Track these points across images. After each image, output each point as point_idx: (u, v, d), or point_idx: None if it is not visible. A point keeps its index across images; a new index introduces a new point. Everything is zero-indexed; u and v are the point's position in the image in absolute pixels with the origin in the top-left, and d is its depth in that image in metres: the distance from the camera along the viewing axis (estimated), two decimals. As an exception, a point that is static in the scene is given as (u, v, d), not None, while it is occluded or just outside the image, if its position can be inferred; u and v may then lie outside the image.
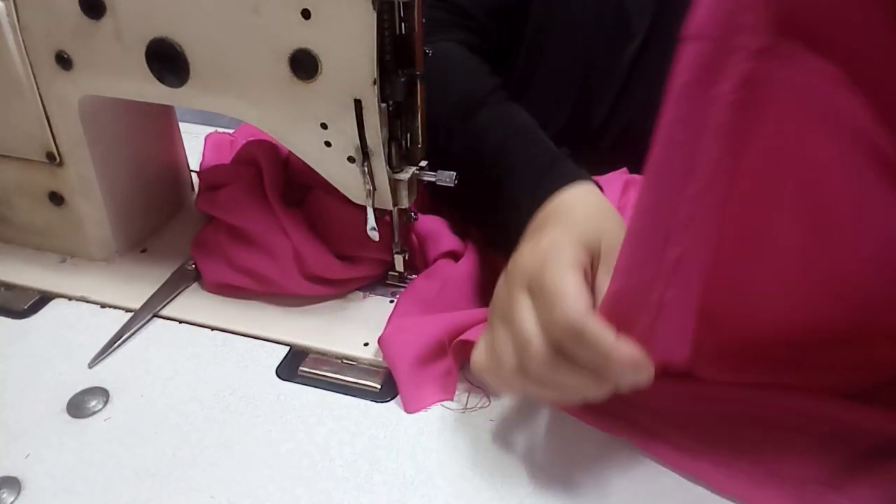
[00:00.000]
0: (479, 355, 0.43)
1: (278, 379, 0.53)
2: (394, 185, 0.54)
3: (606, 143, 0.69)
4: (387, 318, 0.56)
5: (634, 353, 0.36)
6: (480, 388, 0.51)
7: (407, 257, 0.60)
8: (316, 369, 0.53)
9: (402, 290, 0.60)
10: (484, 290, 0.57)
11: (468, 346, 0.48)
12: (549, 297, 0.39)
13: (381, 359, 0.53)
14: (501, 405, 0.50)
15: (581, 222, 0.45)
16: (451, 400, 0.51)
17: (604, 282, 0.40)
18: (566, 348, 0.38)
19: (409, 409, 0.50)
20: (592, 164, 0.65)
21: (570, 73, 0.68)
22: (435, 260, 0.60)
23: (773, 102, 0.32)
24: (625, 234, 0.37)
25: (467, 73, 0.60)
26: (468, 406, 0.50)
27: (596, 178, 0.61)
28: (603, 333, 0.37)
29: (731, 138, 0.32)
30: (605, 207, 0.49)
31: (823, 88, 0.31)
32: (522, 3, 0.66)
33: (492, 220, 0.56)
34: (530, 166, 0.53)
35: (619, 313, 0.37)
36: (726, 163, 0.32)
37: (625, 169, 0.64)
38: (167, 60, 0.52)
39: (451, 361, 0.51)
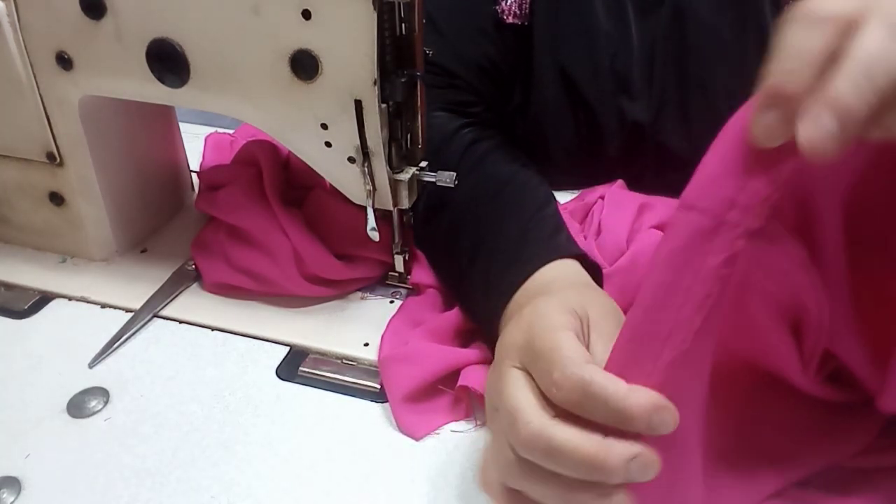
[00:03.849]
0: (482, 473, 0.39)
1: (278, 379, 0.53)
2: (394, 185, 0.54)
3: (614, 150, 0.68)
4: (387, 319, 0.56)
5: (652, 395, 0.33)
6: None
7: (407, 257, 0.60)
8: (316, 369, 0.53)
9: (400, 301, 0.59)
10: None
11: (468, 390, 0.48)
12: (544, 359, 0.35)
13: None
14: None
15: (562, 291, 0.43)
16: (463, 420, 0.49)
17: (599, 349, 0.36)
18: (575, 410, 0.34)
19: (415, 436, 0.48)
20: (601, 171, 0.65)
21: (570, 109, 0.68)
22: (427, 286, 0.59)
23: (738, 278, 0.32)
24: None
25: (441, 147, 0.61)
26: (479, 424, 0.49)
27: (610, 195, 0.61)
28: (613, 382, 0.33)
29: (714, 312, 0.32)
30: (586, 280, 0.48)
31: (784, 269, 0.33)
32: (510, 55, 0.67)
33: (465, 300, 0.55)
34: (505, 244, 0.51)
35: None
36: (704, 335, 0.32)
37: (621, 182, 0.63)
38: (167, 61, 0.52)
39: (459, 392, 0.50)
